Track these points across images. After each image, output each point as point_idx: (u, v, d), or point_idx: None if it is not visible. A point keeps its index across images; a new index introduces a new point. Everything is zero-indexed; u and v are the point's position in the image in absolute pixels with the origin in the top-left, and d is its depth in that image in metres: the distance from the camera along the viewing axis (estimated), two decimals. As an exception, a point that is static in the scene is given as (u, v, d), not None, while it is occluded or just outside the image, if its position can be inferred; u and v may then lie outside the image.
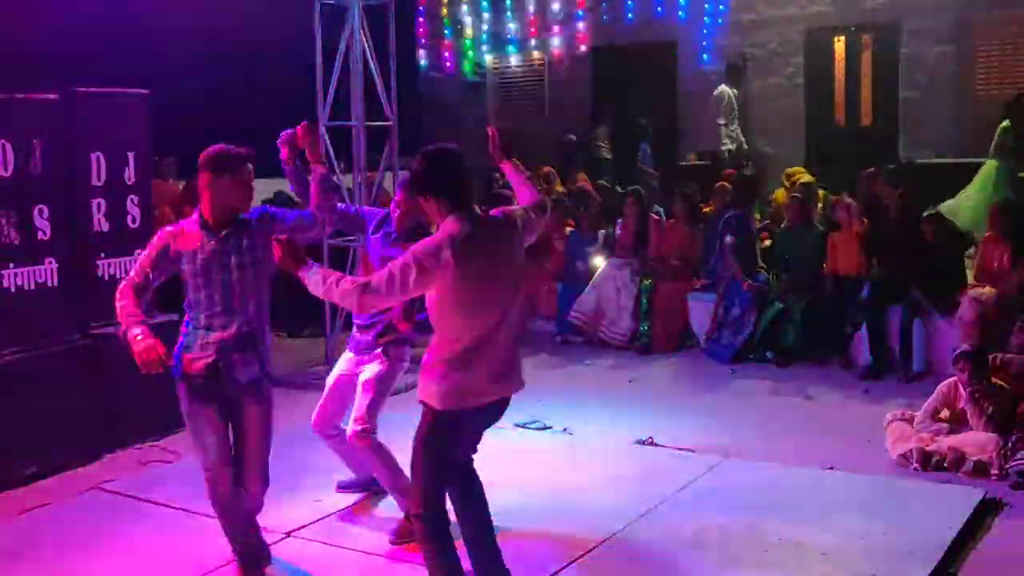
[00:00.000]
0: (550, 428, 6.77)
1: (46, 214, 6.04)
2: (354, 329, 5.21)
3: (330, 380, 5.27)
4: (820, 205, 9.61)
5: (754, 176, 10.71)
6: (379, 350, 5.09)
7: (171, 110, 7.22)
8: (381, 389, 5.06)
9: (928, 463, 5.90)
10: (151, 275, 4.22)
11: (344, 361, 5.25)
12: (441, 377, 3.86)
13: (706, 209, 9.99)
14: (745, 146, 12.15)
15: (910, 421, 6.32)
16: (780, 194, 10.45)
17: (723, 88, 11.98)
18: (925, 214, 8.10)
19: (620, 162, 12.29)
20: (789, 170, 10.73)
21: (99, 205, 6.32)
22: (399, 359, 5.15)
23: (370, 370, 5.09)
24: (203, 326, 4.24)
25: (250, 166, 4.28)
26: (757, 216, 9.67)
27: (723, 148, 11.79)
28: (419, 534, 4.06)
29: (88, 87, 6.44)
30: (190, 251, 4.22)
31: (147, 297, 4.26)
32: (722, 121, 11.87)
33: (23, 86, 6.11)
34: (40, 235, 6.02)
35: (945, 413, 6.31)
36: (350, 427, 5.02)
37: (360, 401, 5.04)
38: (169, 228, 4.34)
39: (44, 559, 4.85)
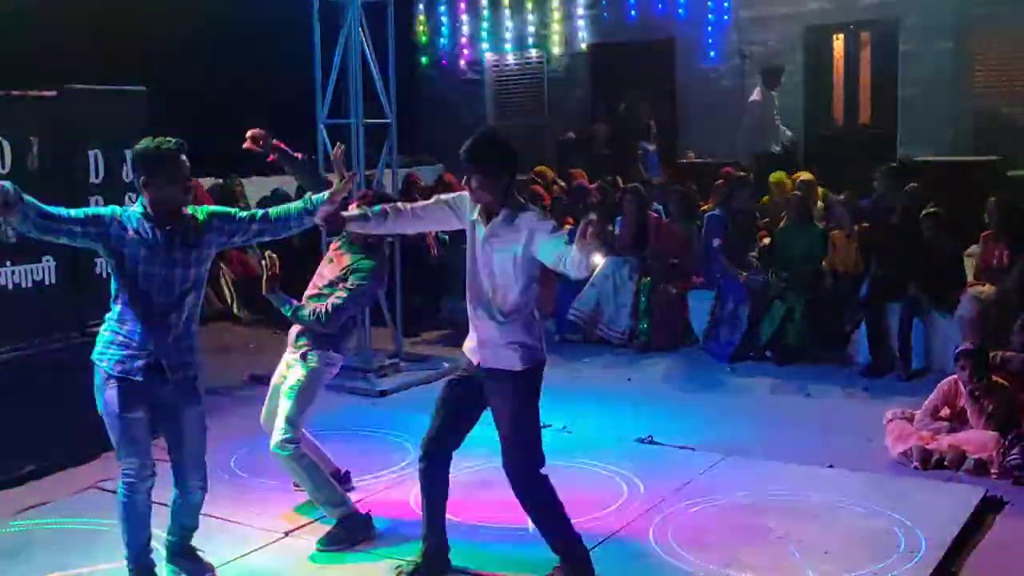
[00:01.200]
0: (549, 427, 6.73)
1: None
2: (293, 331, 5.13)
3: (274, 378, 5.19)
4: (820, 203, 9.59)
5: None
6: (303, 351, 5.01)
7: (169, 107, 7.19)
8: (302, 398, 4.93)
9: (928, 461, 5.90)
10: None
11: (282, 364, 5.17)
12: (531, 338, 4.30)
13: (704, 207, 9.98)
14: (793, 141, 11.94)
15: (910, 419, 6.31)
16: (766, 200, 10.26)
17: (762, 90, 11.69)
18: (924, 212, 8.09)
19: (620, 160, 12.26)
20: (774, 177, 10.51)
21: (97, 202, 6.29)
22: (327, 363, 5.03)
23: (293, 375, 5.00)
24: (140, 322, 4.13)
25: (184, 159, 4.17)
26: (757, 215, 9.64)
27: (775, 148, 11.58)
28: (543, 490, 4.37)
29: (85, 84, 6.41)
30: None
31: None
32: (778, 120, 11.63)
33: (21, 83, 6.09)
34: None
35: (945, 411, 6.31)
36: (273, 436, 4.90)
37: (280, 409, 4.94)
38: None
39: (42, 558, 4.83)
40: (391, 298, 8.39)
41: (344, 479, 5.44)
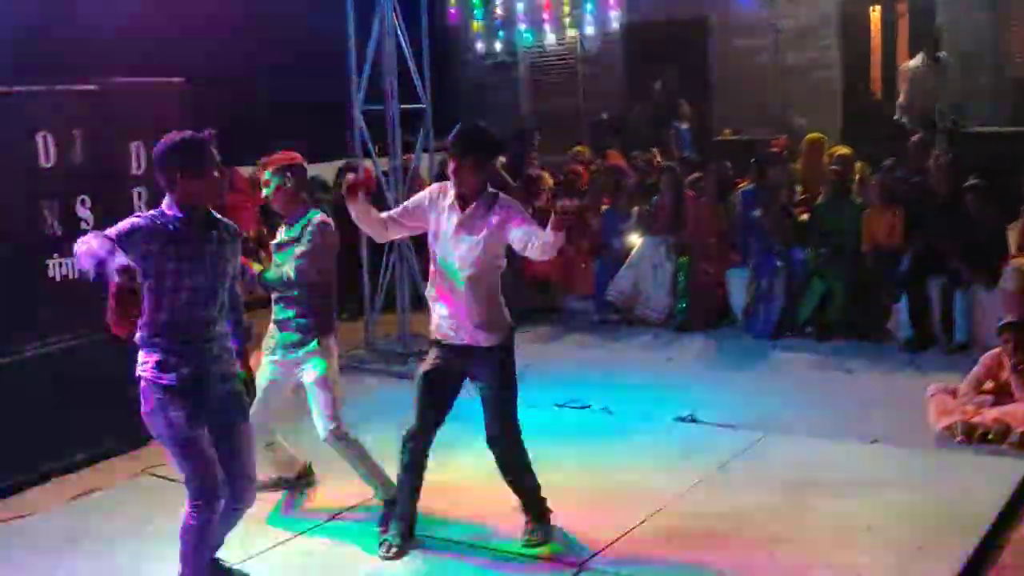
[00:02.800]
0: (589, 407, 6.78)
1: (88, 204, 6.11)
2: (274, 329, 5.13)
3: (261, 379, 5.16)
4: (858, 178, 9.50)
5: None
6: (312, 346, 5.04)
7: (205, 98, 7.26)
8: (332, 388, 5.05)
9: (972, 435, 5.86)
10: None
11: (269, 364, 5.15)
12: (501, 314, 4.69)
13: (741, 185, 9.93)
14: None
15: (953, 393, 6.27)
16: (800, 163, 10.15)
17: (923, 57, 10.93)
18: (966, 185, 8.01)
19: (657, 140, 12.21)
20: (810, 137, 10.48)
21: (139, 194, 6.37)
22: (334, 347, 5.18)
23: (312, 371, 5.04)
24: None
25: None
26: (798, 188, 9.59)
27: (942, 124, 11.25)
28: (524, 452, 4.80)
29: (126, 77, 6.50)
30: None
31: None
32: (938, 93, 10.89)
33: (62, 78, 6.18)
34: (83, 225, 6.09)
35: (989, 385, 6.26)
36: (322, 430, 5.01)
37: (322, 401, 5.01)
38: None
39: (97, 545, 4.94)
40: (427, 280, 8.43)
41: (308, 472, 5.55)
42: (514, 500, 5.17)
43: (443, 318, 4.66)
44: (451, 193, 4.61)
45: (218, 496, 4.01)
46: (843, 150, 9.94)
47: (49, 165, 5.93)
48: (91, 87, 6.24)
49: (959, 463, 5.50)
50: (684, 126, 12.37)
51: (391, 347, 8.36)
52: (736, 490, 5.25)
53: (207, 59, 9.93)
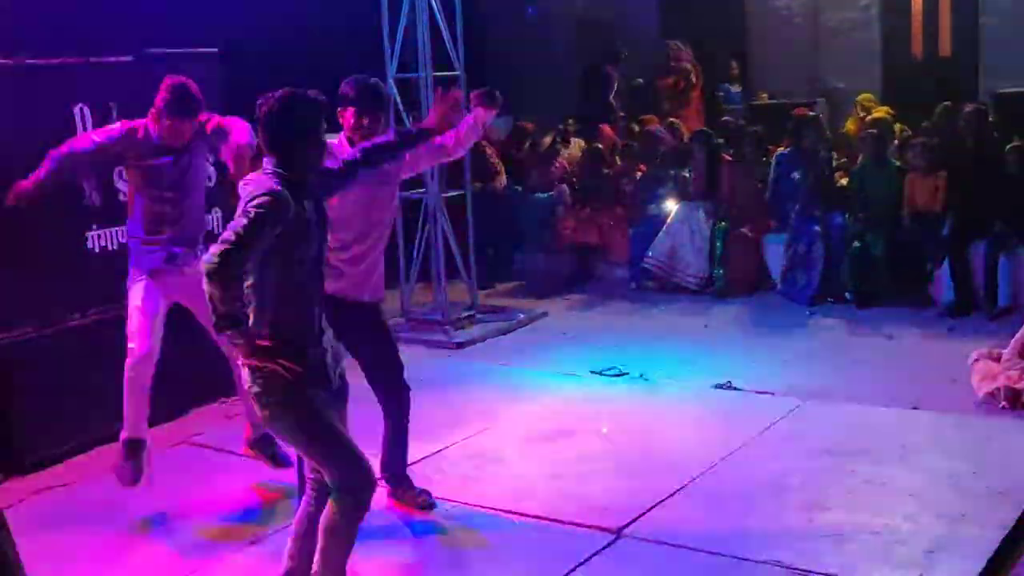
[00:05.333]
0: (627, 374, 6.77)
1: (125, 175, 6.14)
2: None
3: None
4: (896, 141, 9.37)
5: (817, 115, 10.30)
6: None
7: (235, 68, 7.25)
8: None
9: (1017, 401, 5.78)
10: None
11: None
12: None
13: (778, 149, 9.82)
14: None
15: (997, 359, 6.17)
16: (851, 124, 10.19)
17: None
18: (1010, 146, 7.86)
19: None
20: (861, 97, 10.44)
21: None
22: None
23: None
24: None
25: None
26: (834, 154, 9.47)
27: None
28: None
29: (160, 48, 6.50)
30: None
31: None
32: None
33: (97, 50, 6.20)
34: (121, 196, 6.13)
35: (1033, 350, 6.16)
36: None
37: None
38: None
39: (140, 511, 5.01)
40: (465, 251, 8.45)
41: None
42: (552, 468, 5.19)
43: None
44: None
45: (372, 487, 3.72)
46: (880, 112, 9.82)
47: (87, 137, 5.97)
48: (127, 58, 6.26)
49: (1003, 429, 5.44)
50: (735, 88, 12.23)
51: (428, 315, 8.38)
52: (774, 456, 5.22)
53: (240, 28, 9.91)
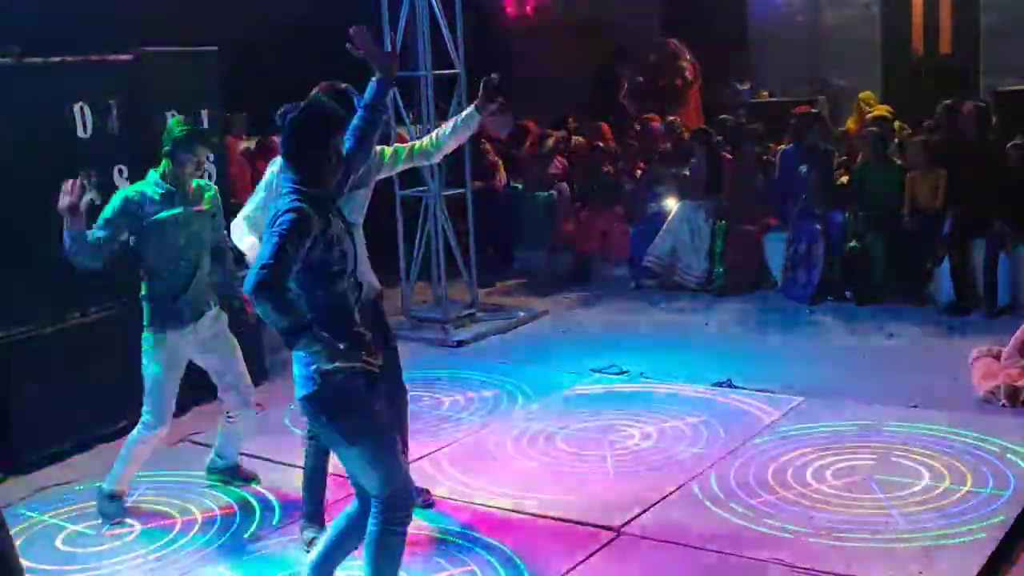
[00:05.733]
0: (627, 373, 6.77)
1: (125, 174, 6.14)
2: None
3: None
4: (896, 140, 9.37)
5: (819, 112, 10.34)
6: None
7: (233, 65, 7.25)
8: None
9: (1016, 399, 5.78)
10: None
11: None
12: None
13: (780, 147, 9.82)
14: None
15: (997, 357, 6.18)
16: (851, 122, 10.20)
17: None
18: (1010, 144, 7.85)
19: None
20: (862, 96, 10.46)
21: (176, 163, 6.40)
22: None
23: None
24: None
25: None
26: (834, 152, 9.47)
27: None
28: None
29: (158, 46, 6.51)
30: None
31: None
32: None
33: (96, 48, 6.19)
34: (121, 195, 6.13)
35: (1034, 348, 6.16)
36: None
37: None
38: None
39: (140, 509, 5.01)
40: (465, 249, 8.45)
41: None
42: (553, 466, 5.19)
43: None
44: None
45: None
46: (880, 110, 9.82)
47: (86, 135, 5.98)
48: (126, 56, 6.26)
49: (1003, 426, 5.43)
50: (745, 86, 12.23)
51: (429, 314, 8.38)
52: (775, 455, 5.22)
53: (239, 27, 9.92)
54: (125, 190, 4.84)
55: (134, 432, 4.82)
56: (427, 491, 4.89)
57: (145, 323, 4.76)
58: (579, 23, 13.92)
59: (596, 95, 12.41)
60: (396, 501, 3.54)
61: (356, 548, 3.71)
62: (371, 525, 3.56)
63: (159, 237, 4.68)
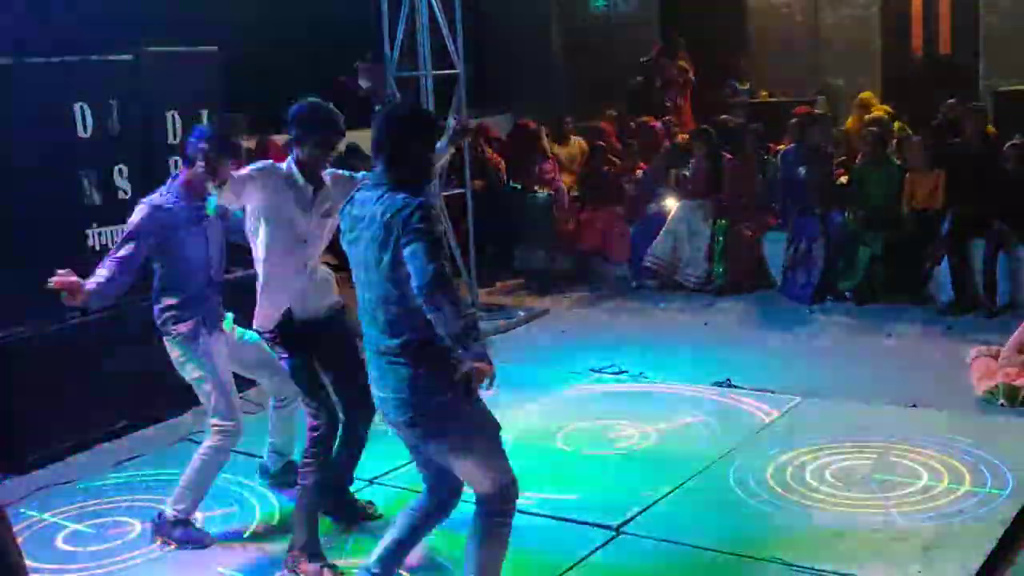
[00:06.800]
0: (626, 372, 6.78)
1: (126, 174, 6.16)
2: None
3: None
4: (895, 141, 9.38)
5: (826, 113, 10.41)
6: None
7: (235, 66, 7.26)
8: None
9: (1015, 399, 5.79)
10: None
11: None
12: None
13: (780, 147, 9.83)
14: None
15: (995, 356, 6.19)
16: (851, 122, 10.22)
17: None
18: (1009, 144, 7.86)
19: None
20: (862, 96, 10.47)
21: (176, 163, 6.40)
22: None
23: None
24: None
25: None
26: (832, 152, 9.48)
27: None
28: None
29: (159, 47, 6.52)
30: None
31: None
32: None
33: (97, 48, 6.21)
34: (121, 194, 6.15)
35: (1032, 347, 6.17)
36: None
37: None
38: None
39: (139, 509, 5.01)
40: (465, 249, 8.46)
41: None
42: (552, 465, 5.20)
43: None
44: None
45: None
46: (879, 111, 9.83)
47: (87, 135, 5.99)
48: (126, 56, 6.28)
49: (1001, 426, 5.45)
50: (745, 86, 12.24)
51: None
52: (773, 455, 5.22)
53: (239, 27, 9.92)
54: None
55: (205, 448, 4.59)
56: (371, 503, 4.83)
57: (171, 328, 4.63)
58: (579, 21, 13.96)
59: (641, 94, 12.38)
60: (511, 492, 3.54)
61: (418, 542, 3.73)
62: (482, 519, 3.55)
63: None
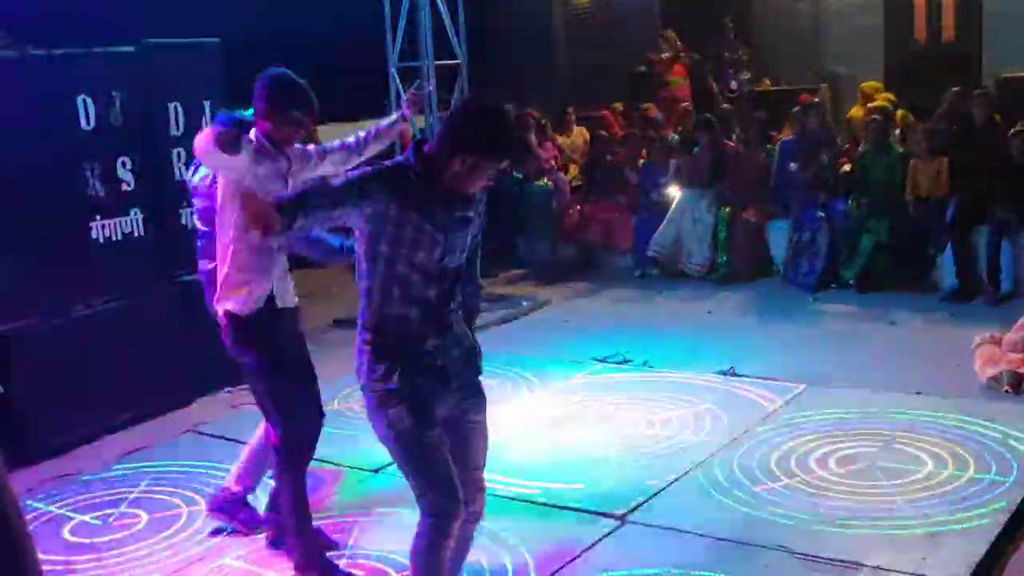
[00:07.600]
0: (630, 361, 6.78)
1: (129, 165, 6.17)
2: None
3: None
4: (898, 130, 9.36)
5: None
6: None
7: (237, 57, 7.25)
8: None
9: (1019, 385, 5.79)
10: None
11: None
12: None
13: (781, 136, 9.82)
14: None
15: (999, 343, 6.19)
16: (855, 111, 10.20)
17: None
18: (1013, 131, 7.85)
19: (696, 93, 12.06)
20: (865, 85, 10.45)
21: (179, 154, 6.42)
22: None
23: None
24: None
25: None
26: (837, 140, 9.47)
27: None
28: None
29: (161, 39, 6.52)
30: None
31: None
32: None
33: (99, 40, 6.20)
34: (124, 186, 6.16)
35: (1036, 334, 6.17)
36: None
37: None
38: None
39: (146, 500, 5.03)
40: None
41: None
42: (557, 455, 5.21)
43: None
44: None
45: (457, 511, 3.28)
46: (881, 98, 9.80)
47: (90, 128, 5.99)
48: (129, 49, 6.27)
49: (1005, 413, 5.44)
50: (746, 75, 12.22)
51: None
52: (777, 443, 5.23)
53: (241, 19, 9.91)
54: None
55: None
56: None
57: None
58: (579, 12, 13.92)
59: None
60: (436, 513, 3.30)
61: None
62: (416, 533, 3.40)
63: None
